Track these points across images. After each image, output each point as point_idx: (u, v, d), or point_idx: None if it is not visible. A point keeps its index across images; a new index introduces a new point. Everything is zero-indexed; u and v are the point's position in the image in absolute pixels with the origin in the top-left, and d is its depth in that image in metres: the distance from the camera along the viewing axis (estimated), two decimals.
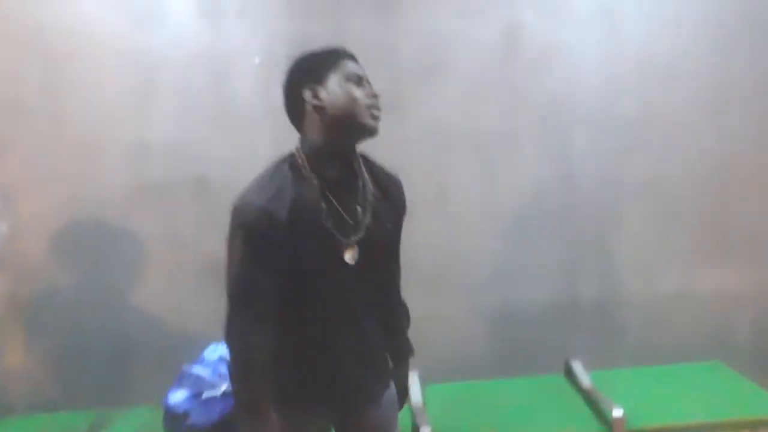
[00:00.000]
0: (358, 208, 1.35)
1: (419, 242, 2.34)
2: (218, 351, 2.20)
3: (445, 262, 2.54)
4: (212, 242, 2.43)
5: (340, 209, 1.32)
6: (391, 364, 1.55)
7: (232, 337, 1.30)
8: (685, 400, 2.23)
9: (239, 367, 1.31)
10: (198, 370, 2.11)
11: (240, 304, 1.28)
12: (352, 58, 1.35)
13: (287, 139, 2.36)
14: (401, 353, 1.59)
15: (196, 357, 2.19)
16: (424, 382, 2.23)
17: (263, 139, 2.41)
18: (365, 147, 1.38)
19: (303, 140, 1.34)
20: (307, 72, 1.33)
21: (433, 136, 2.46)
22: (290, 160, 1.33)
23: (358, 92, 1.28)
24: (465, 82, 2.47)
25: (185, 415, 1.97)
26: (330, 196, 1.31)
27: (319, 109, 1.28)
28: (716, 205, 2.65)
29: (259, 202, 1.24)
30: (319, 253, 1.30)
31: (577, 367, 2.33)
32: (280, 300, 1.28)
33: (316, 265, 1.30)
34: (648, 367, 2.49)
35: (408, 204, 1.49)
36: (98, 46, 2.33)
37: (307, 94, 1.29)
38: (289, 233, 1.25)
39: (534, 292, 2.58)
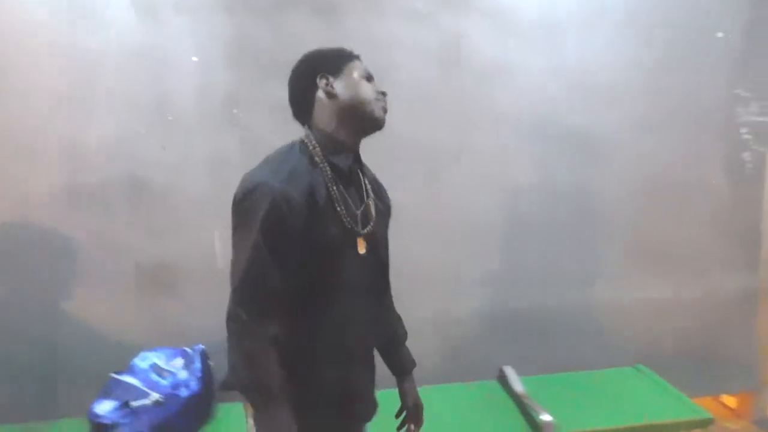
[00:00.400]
0: (369, 201, 1.36)
1: None
2: (149, 359, 2.15)
3: None
4: (148, 247, 2.40)
5: (349, 200, 1.31)
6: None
7: (236, 332, 1.19)
8: (611, 404, 2.32)
9: (246, 363, 1.19)
10: (127, 378, 2.05)
11: (247, 296, 1.19)
12: (360, 59, 1.37)
13: (225, 141, 2.35)
14: (407, 364, 1.58)
15: (122, 365, 2.14)
16: None
17: (201, 141, 2.36)
18: None
19: (312, 128, 1.32)
20: (321, 62, 1.34)
21: (376, 144, 2.46)
22: (301, 147, 1.30)
23: (368, 86, 1.32)
24: (409, 90, 2.47)
25: (112, 426, 1.92)
26: (341, 186, 1.30)
27: (332, 96, 1.30)
28: (647, 219, 2.76)
29: (277, 183, 1.18)
30: (336, 242, 1.27)
31: (510, 374, 2.39)
32: (288, 293, 1.22)
33: (331, 254, 1.26)
34: (578, 373, 2.58)
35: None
36: (29, 43, 2.22)
37: (322, 82, 1.30)
38: (306, 219, 1.21)
39: (472, 301, 2.62)
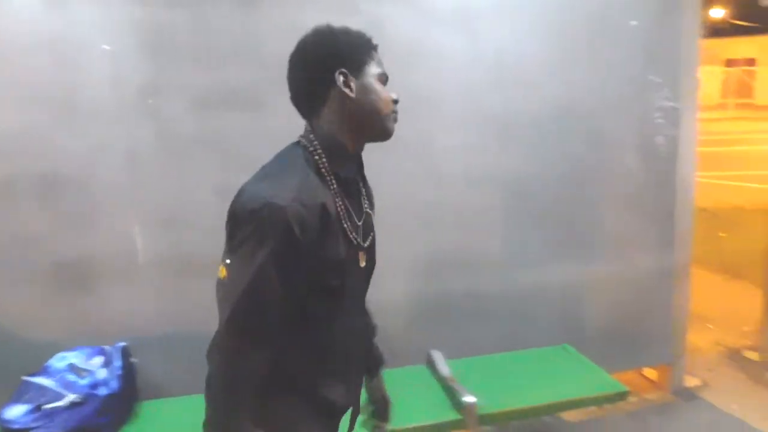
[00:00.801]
0: (369, 211, 1.30)
1: None
2: (66, 359, 2.08)
3: None
4: (63, 243, 2.31)
5: (353, 213, 1.23)
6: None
7: (224, 362, 1.11)
8: (536, 384, 2.39)
9: (227, 395, 1.12)
10: (41, 380, 1.98)
11: (241, 321, 1.09)
12: (377, 50, 1.24)
13: (141, 132, 2.28)
14: (379, 359, 1.52)
15: (39, 367, 2.06)
16: None
17: (116, 133, 2.28)
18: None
19: (317, 129, 1.19)
20: (342, 54, 1.18)
21: (296, 131, 2.43)
22: (305, 155, 1.17)
23: (385, 94, 1.21)
24: None
25: (24, 431, 1.84)
26: (345, 200, 1.20)
27: (347, 99, 1.17)
28: (568, 202, 2.85)
29: (289, 203, 1.06)
30: (344, 262, 1.19)
31: (437, 357, 2.43)
32: (290, 312, 1.14)
33: (337, 272, 1.18)
34: (505, 353, 2.65)
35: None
36: None
37: (340, 79, 1.16)
38: (316, 239, 1.11)
39: (400, 286, 2.64)
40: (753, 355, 3.50)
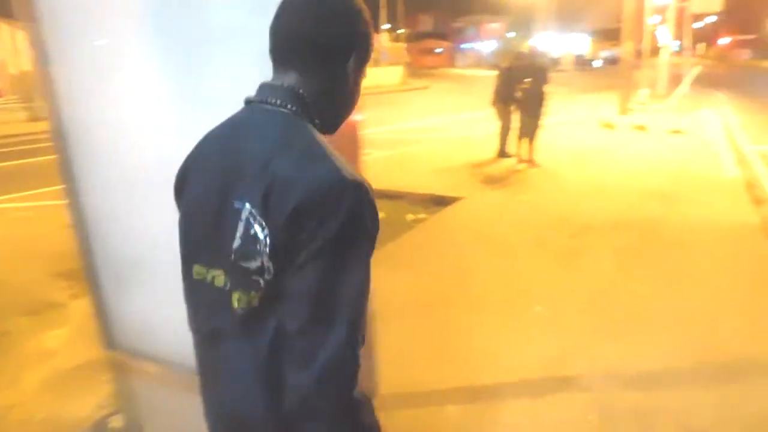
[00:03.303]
0: None
1: None
2: None
3: None
4: None
5: None
6: None
7: (346, 360, 1.02)
8: None
9: (349, 382, 1.04)
10: None
11: (359, 332, 1.03)
12: None
13: None
14: None
15: None
16: None
17: None
18: None
19: (301, 87, 1.07)
20: (366, 37, 1.12)
21: None
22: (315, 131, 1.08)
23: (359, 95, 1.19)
24: None
25: None
26: None
27: (343, 81, 1.11)
28: None
29: (362, 180, 1.02)
30: None
31: None
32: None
33: None
34: None
35: None
36: None
37: (351, 60, 1.10)
38: None
39: None
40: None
